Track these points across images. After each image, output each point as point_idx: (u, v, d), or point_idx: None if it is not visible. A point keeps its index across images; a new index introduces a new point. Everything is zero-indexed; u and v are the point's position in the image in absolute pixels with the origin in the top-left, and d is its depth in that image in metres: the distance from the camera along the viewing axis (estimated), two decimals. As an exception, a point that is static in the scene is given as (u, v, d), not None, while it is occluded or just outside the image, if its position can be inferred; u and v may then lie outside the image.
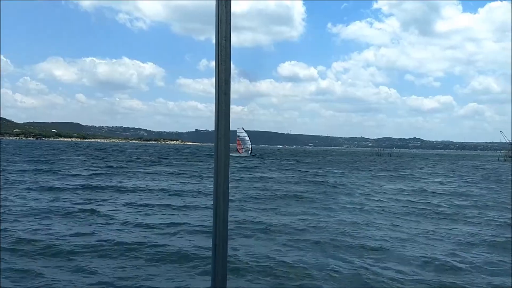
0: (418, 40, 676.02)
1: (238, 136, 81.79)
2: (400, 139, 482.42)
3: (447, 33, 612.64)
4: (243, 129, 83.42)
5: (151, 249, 8.94)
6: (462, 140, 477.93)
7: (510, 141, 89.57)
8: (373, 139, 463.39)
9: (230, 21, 1.59)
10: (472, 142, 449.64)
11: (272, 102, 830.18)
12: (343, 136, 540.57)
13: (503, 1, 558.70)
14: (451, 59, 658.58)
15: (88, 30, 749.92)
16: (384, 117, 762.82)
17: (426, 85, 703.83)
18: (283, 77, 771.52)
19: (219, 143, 1.59)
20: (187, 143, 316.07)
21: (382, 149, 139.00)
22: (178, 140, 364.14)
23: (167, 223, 11.83)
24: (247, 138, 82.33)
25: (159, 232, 10.83)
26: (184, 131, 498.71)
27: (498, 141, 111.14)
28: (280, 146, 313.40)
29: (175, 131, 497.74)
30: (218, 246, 1.60)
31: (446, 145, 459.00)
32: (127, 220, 12.21)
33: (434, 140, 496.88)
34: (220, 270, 1.60)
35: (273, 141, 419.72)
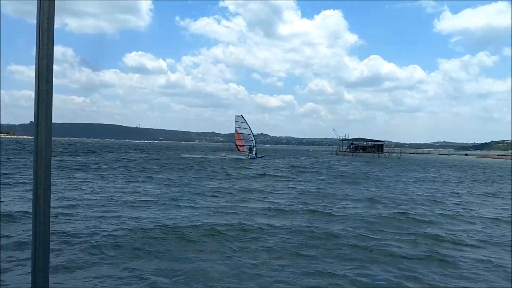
0: (263, 41, 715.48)
1: (238, 128, 57.43)
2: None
3: (288, 36, 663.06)
4: (242, 117, 58.55)
5: None
6: (302, 136, 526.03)
7: (340, 137, 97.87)
8: (224, 134, 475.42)
9: (54, 3, 1.48)
10: (310, 138, 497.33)
11: (118, 93, 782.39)
12: (195, 131, 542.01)
13: (335, 10, 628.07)
14: (291, 61, 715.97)
15: None
16: (234, 112, 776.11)
17: (271, 84, 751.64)
18: (130, 67, 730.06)
19: (39, 137, 1.46)
20: (20, 137, 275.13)
21: (233, 144, 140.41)
22: (9, 133, 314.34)
23: None
24: (248, 132, 57.82)
25: None
26: (17, 123, 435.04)
27: (331, 137, 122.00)
28: (128, 140, 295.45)
29: (6, 123, 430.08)
30: (38, 250, 1.48)
31: (288, 140, 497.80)
32: None
33: (278, 136, 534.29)
34: (41, 274, 1.49)
35: (120, 135, 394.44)
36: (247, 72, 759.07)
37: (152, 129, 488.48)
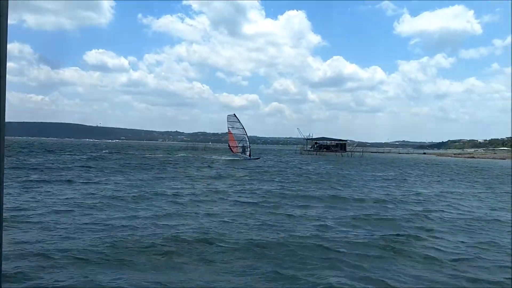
0: (227, 40, 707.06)
1: (230, 127, 54.59)
2: (214, 134, 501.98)
3: (252, 35, 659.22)
4: (235, 116, 55.36)
5: None
6: (267, 136, 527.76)
7: (305, 136, 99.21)
8: (188, 133, 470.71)
9: None
10: (275, 137, 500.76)
11: (78, 92, 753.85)
12: (158, 130, 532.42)
13: (299, 11, 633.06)
14: (256, 61, 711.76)
15: None
16: (198, 112, 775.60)
17: (236, 83, 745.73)
18: (90, 65, 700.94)
19: None
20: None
21: (197, 143, 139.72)
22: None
23: None
24: (241, 131, 54.49)
25: None
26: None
27: (296, 136, 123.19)
28: (88, 140, 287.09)
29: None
30: None
31: (253, 139, 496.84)
32: None
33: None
34: None
35: (80, 134, 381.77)
36: (211, 71, 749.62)
37: (113, 128, 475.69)
